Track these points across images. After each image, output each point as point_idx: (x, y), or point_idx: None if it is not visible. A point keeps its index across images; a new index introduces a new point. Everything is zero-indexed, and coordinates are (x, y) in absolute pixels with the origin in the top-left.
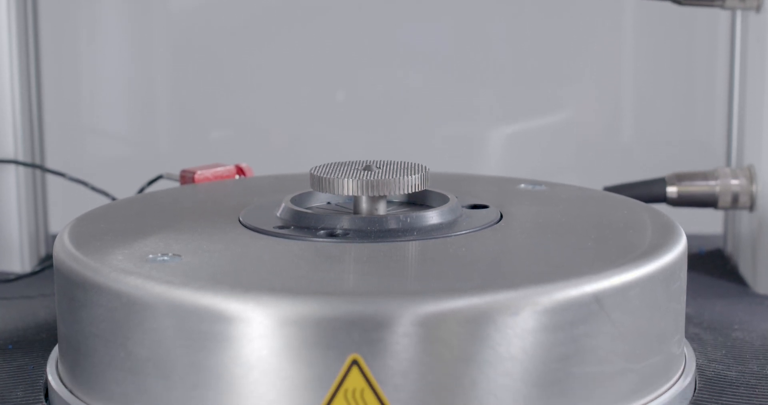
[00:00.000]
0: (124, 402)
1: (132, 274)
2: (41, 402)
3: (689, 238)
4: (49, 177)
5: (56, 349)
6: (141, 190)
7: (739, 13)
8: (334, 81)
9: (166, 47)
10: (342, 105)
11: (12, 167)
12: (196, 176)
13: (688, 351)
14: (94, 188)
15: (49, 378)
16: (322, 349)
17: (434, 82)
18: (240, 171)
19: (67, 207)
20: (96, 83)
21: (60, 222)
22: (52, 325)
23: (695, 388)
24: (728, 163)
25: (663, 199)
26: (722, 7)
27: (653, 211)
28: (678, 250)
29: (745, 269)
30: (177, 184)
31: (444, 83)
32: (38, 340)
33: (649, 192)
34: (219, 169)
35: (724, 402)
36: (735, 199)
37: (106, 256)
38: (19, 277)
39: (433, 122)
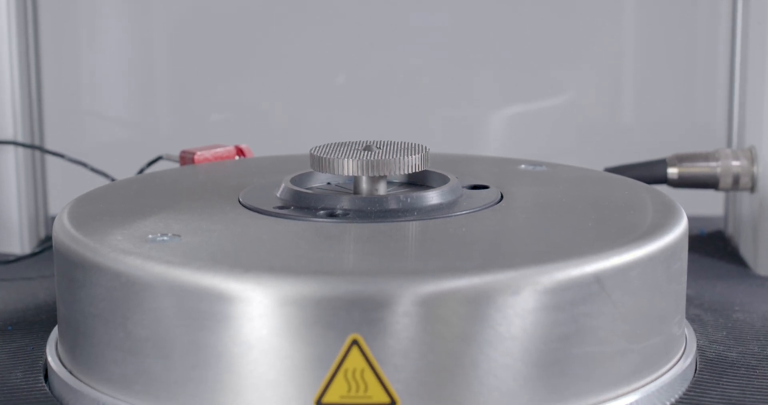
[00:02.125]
0: (124, 382)
1: (131, 254)
2: (41, 383)
3: (690, 219)
4: (49, 158)
5: (56, 329)
6: (140, 172)
7: None
8: (335, 63)
9: (165, 29)
10: (342, 87)
11: (11, 148)
12: (196, 157)
13: (688, 332)
14: (93, 169)
15: (49, 359)
16: (322, 329)
17: (435, 64)
18: (240, 152)
19: (66, 188)
20: (95, 65)
21: (59, 203)
22: (51, 307)
23: (696, 370)
24: (729, 144)
25: (664, 180)
26: None
27: (654, 191)
28: (679, 230)
29: (745, 251)
30: (176, 165)
31: (444, 66)
32: (38, 322)
33: (650, 173)
34: (219, 149)
35: (725, 383)
36: (736, 180)
37: (106, 236)
38: (19, 259)
39: (433, 105)
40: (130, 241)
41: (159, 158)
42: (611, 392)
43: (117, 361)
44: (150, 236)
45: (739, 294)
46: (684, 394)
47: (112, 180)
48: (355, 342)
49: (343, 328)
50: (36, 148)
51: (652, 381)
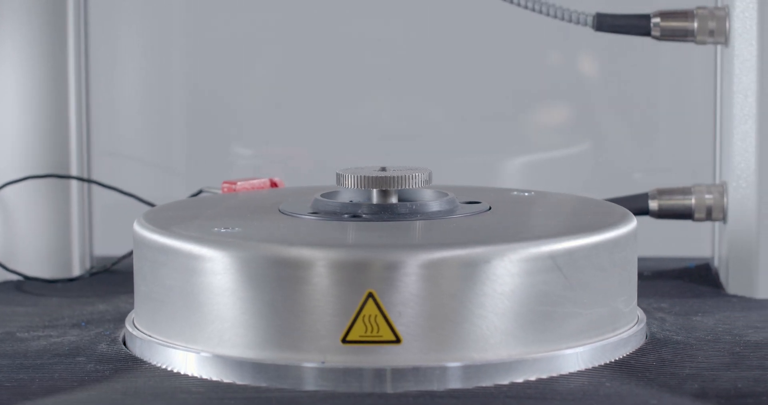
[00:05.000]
0: (193, 339)
1: (207, 240)
2: (123, 349)
3: (687, 259)
4: (94, 193)
5: (131, 313)
6: None
7: (719, 48)
8: (354, 107)
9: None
10: (359, 130)
11: (74, 183)
12: (237, 186)
13: (642, 317)
14: (141, 200)
15: (129, 329)
16: (348, 285)
17: (453, 113)
18: (273, 184)
19: (107, 222)
20: (113, 109)
21: (103, 235)
22: (112, 313)
23: (644, 342)
24: (714, 180)
25: (646, 211)
26: (695, 42)
27: (614, 207)
28: (621, 231)
29: (723, 276)
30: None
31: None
32: (106, 320)
33: (634, 205)
34: (255, 181)
35: (663, 351)
36: (709, 212)
37: (181, 230)
38: (75, 279)
39: (453, 152)
40: (201, 232)
41: (200, 192)
42: (563, 344)
43: (191, 323)
44: (215, 229)
45: (705, 306)
46: (628, 354)
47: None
48: (370, 295)
49: (362, 285)
50: (93, 182)
51: (598, 341)
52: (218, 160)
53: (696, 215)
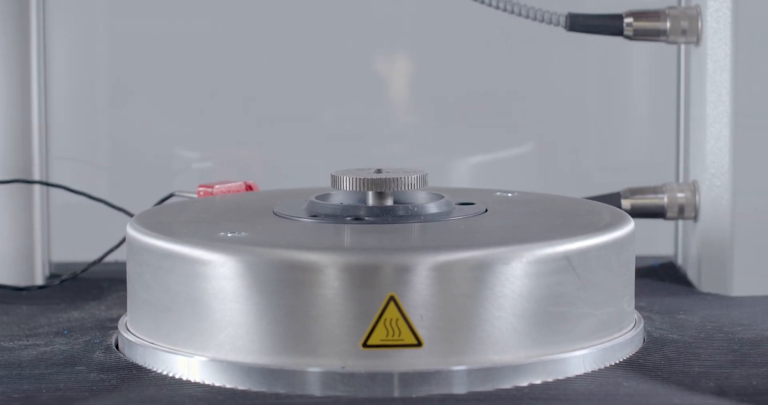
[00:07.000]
0: (203, 346)
1: (217, 245)
2: (122, 356)
3: (646, 257)
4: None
5: (122, 318)
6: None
7: (683, 47)
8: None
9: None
10: (314, 133)
11: (36, 189)
12: (214, 190)
13: (638, 317)
14: (113, 206)
15: (129, 337)
16: (368, 289)
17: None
18: (248, 187)
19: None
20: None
21: (60, 242)
22: (90, 321)
23: (643, 342)
24: (677, 179)
25: None
26: (667, 41)
27: (607, 206)
28: (626, 229)
29: (692, 274)
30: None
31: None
32: (87, 328)
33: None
34: (232, 184)
35: (666, 350)
36: (681, 210)
37: (184, 235)
38: (42, 287)
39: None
40: (209, 238)
41: (171, 195)
42: (577, 345)
43: (199, 325)
44: (221, 233)
45: (684, 304)
46: (634, 354)
47: (131, 215)
48: (392, 298)
49: (382, 288)
50: (59, 186)
51: (608, 341)
52: (162, 163)
53: (668, 214)
